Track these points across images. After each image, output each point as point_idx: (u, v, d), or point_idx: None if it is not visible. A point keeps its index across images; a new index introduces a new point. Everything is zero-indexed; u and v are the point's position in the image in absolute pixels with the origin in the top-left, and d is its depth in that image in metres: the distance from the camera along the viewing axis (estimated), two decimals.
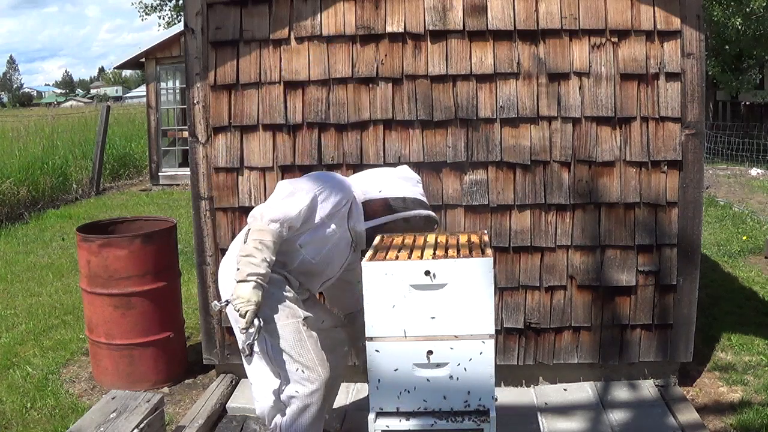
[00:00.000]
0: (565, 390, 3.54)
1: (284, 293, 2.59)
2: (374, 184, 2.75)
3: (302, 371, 2.56)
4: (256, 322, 2.40)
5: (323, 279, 2.77)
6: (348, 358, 3.10)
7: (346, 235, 2.69)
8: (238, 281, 2.41)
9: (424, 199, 2.78)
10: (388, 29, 3.37)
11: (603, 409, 3.35)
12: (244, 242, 2.50)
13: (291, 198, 2.53)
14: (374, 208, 2.71)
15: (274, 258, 2.46)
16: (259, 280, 2.40)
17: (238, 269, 2.44)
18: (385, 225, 2.73)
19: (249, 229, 2.53)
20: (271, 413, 2.65)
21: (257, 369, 2.64)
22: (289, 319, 2.55)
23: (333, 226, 2.61)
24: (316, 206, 2.56)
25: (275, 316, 2.54)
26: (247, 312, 2.37)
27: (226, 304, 2.48)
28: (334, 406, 3.22)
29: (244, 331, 2.40)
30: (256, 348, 2.54)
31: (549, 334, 3.53)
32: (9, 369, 4.13)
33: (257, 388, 2.68)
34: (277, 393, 2.60)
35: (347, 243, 2.72)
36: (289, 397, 2.58)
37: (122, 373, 3.75)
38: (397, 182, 2.76)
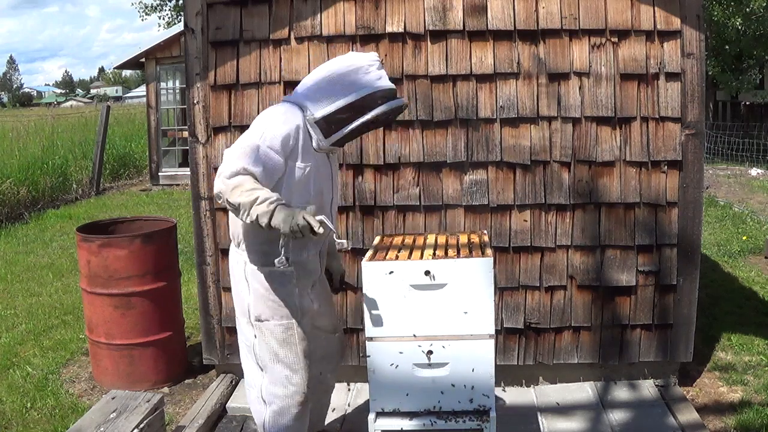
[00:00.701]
0: (568, 392, 3.53)
1: (288, 289, 2.50)
2: (324, 95, 2.41)
3: (285, 372, 2.54)
4: (311, 221, 2.19)
5: (330, 198, 2.60)
6: (337, 370, 3.00)
7: (319, 155, 2.49)
8: (267, 224, 2.21)
9: (383, 83, 2.42)
10: (388, 29, 3.37)
11: (603, 409, 3.35)
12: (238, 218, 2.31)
13: (235, 159, 2.31)
14: (336, 118, 2.40)
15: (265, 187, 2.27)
16: (270, 206, 2.21)
17: (247, 219, 2.24)
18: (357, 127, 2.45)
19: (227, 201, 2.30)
20: (254, 407, 2.65)
21: (247, 362, 2.63)
22: (282, 319, 2.51)
23: (300, 163, 2.40)
24: (266, 153, 2.33)
25: (270, 313, 2.51)
26: (302, 226, 2.18)
27: (286, 260, 2.30)
28: (335, 407, 3.22)
29: (323, 229, 2.21)
30: (252, 336, 2.52)
31: (549, 334, 3.53)
32: (9, 369, 4.13)
33: (246, 381, 2.68)
34: (260, 390, 2.58)
35: (324, 160, 2.53)
36: (270, 396, 2.56)
37: (122, 373, 3.75)
38: (349, 81, 2.39)
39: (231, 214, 2.50)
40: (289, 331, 2.53)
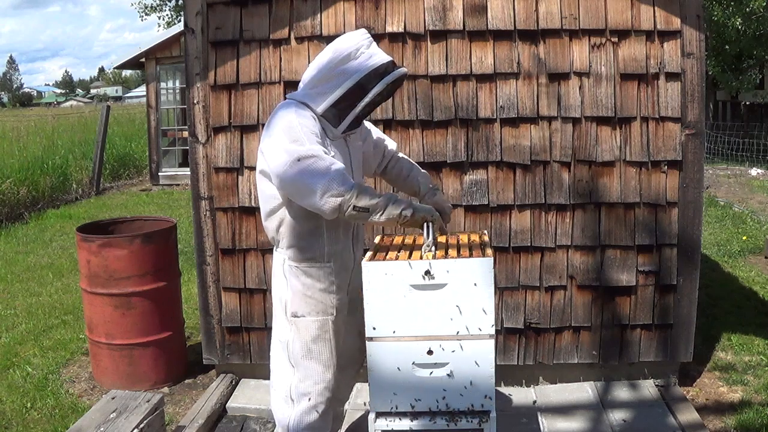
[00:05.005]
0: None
1: (325, 285, 2.52)
2: (319, 90, 2.41)
3: (317, 368, 2.54)
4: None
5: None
6: (355, 380, 2.99)
7: (337, 141, 2.48)
8: (410, 216, 2.39)
9: (373, 62, 2.38)
10: (388, 29, 3.37)
11: (603, 409, 3.35)
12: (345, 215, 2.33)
13: (319, 170, 2.30)
14: (338, 108, 2.41)
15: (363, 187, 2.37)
16: (402, 203, 2.39)
17: (381, 218, 2.37)
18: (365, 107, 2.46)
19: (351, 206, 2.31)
20: (279, 408, 2.63)
21: (277, 361, 2.62)
22: (318, 315, 2.53)
23: (330, 150, 2.40)
24: (320, 149, 2.35)
25: (306, 309, 2.52)
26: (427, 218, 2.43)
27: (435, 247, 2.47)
28: None
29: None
30: (288, 334, 2.53)
31: (549, 334, 3.53)
32: (9, 369, 4.13)
33: (273, 383, 2.65)
34: (288, 388, 2.57)
35: (341, 146, 2.51)
36: (299, 394, 2.56)
37: (122, 373, 3.75)
38: (339, 71, 2.38)
39: (267, 218, 2.51)
40: (324, 327, 2.54)
